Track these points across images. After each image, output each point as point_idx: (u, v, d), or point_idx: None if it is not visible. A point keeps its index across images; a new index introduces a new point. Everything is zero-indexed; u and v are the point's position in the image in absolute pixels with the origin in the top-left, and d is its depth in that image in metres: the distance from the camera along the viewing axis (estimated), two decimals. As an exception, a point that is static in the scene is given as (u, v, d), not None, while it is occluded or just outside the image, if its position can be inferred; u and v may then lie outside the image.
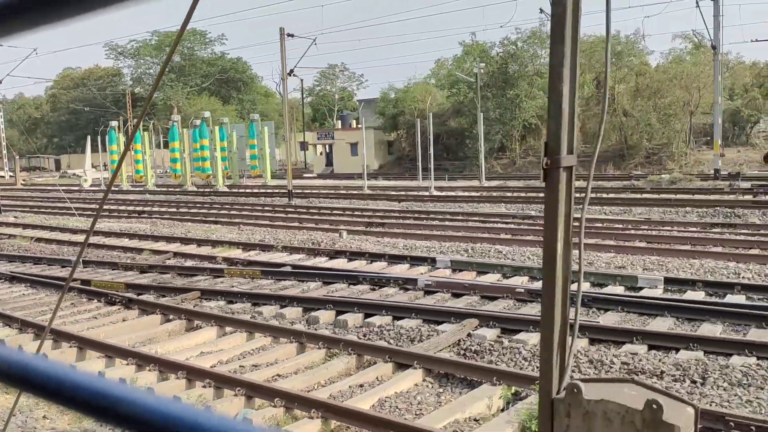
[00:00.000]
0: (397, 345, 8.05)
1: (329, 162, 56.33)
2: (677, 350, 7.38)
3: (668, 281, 10.28)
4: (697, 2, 26.36)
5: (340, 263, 13.25)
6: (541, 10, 23.74)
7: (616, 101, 41.87)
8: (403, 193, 29.44)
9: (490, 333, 8.38)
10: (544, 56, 47.64)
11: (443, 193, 28.53)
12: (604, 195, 24.74)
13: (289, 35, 26.70)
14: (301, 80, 73.35)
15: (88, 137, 44.30)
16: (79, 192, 37.49)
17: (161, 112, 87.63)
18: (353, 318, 9.21)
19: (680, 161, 39.65)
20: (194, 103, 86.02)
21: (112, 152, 41.96)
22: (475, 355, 7.89)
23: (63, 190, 30.07)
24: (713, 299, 9.53)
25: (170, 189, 38.32)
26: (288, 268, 12.48)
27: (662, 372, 6.83)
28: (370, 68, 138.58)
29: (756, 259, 12.10)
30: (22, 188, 44.30)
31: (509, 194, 27.72)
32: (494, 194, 27.84)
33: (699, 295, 9.72)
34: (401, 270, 12.32)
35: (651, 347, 7.59)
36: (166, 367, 7.33)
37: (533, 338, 7.97)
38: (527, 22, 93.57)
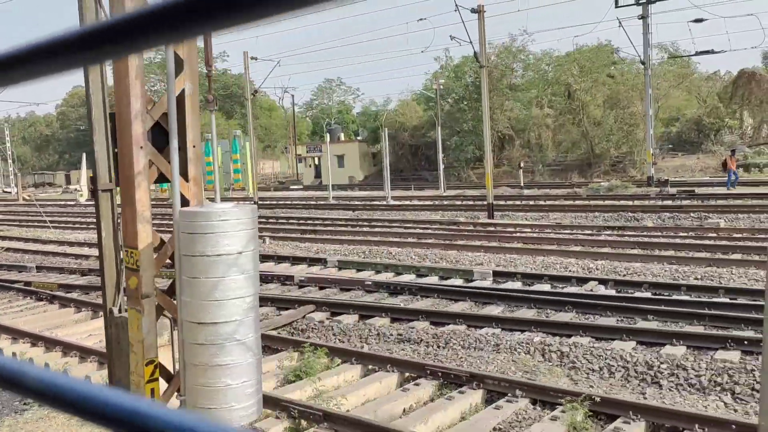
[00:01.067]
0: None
1: (318, 174, 58.61)
2: (479, 328, 9.49)
3: (552, 278, 12.02)
4: (620, 22, 28.35)
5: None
6: (452, 37, 25.44)
7: (583, 112, 43.80)
8: (361, 203, 31.58)
9: (321, 315, 10.51)
10: (518, 69, 49.81)
11: (398, 203, 30.62)
12: (539, 203, 26.73)
13: (252, 58, 28.93)
14: (292, 96, 75.79)
15: (83, 154, 46.84)
16: (74, 206, 39.96)
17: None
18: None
19: (642, 168, 41.46)
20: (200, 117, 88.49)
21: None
22: (300, 332, 10.03)
23: (39, 204, 32.50)
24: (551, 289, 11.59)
25: (157, 203, 40.72)
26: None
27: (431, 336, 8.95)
28: (367, 82, 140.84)
29: (627, 257, 13.97)
30: (22, 203, 46.92)
31: (458, 203, 29.78)
32: (445, 203, 29.92)
33: (545, 287, 11.68)
34: (298, 269, 14.47)
35: (433, 323, 9.70)
36: (51, 343, 9.55)
37: (348, 318, 10.13)
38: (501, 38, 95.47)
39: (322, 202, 32.56)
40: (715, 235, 16.99)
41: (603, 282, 11.56)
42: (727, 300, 9.86)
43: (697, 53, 30.62)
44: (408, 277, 13.07)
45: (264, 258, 16.07)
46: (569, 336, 8.71)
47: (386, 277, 13.17)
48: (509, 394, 6.82)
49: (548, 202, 26.60)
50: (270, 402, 6.41)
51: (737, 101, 44.75)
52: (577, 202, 25.86)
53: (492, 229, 20.29)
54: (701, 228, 18.12)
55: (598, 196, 28.29)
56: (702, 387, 6.96)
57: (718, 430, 5.64)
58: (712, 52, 29.33)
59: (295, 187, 53.44)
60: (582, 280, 11.75)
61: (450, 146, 48.04)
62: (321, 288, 12.47)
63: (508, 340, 8.67)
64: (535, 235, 18.61)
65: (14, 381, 0.68)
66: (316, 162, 59.22)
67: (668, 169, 41.58)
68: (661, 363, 7.51)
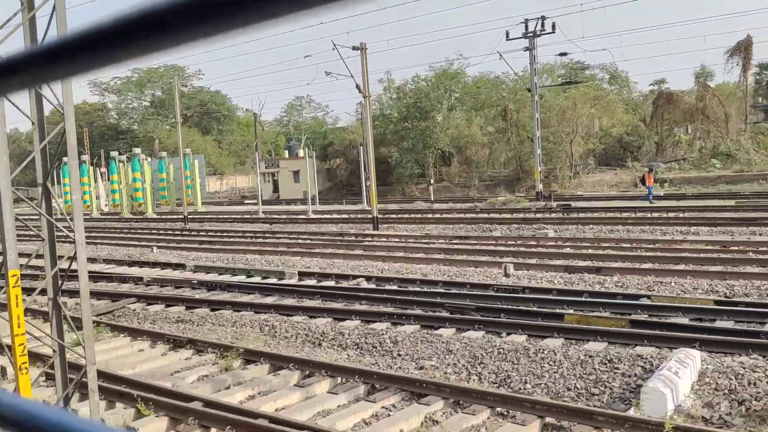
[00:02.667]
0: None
1: (275, 188, 61.60)
2: (259, 313, 12.43)
3: (368, 278, 14.80)
4: (500, 55, 31.46)
5: (128, 269, 18.37)
6: (327, 73, 28.47)
7: (512, 131, 46.90)
8: (286, 216, 34.53)
9: (139, 306, 13.44)
10: (456, 91, 52.92)
11: (318, 216, 33.55)
12: (426, 216, 29.73)
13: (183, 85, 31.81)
14: (254, 114, 78.82)
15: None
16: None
17: (143, 144, 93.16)
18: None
19: (564, 183, 44.52)
20: (173, 134, 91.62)
21: (65, 185, 47.38)
22: (119, 318, 12.94)
23: None
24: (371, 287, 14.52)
25: (107, 216, 43.67)
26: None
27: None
28: (335, 101, 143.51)
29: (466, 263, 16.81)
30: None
31: (370, 216, 32.70)
32: (359, 216, 32.86)
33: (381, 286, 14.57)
34: (151, 271, 17.41)
35: (213, 309, 12.63)
36: None
37: (156, 307, 13.07)
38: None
39: (249, 216, 35.48)
40: (534, 243, 19.93)
41: (409, 281, 14.14)
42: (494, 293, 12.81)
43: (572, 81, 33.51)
44: (239, 278, 16.00)
45: (141, 264, 19.01)
46: (313, 318, 11.56)
47: (218, 277, 16.11)
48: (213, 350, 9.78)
49: (436, 216, 29.56)
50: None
51: (657, 120, 47.91)
52: (457, 216, 28.82)
53: (369, 240, 23.22)
54: (534, 237, 21.09)
55: (492, 209, 31.28)
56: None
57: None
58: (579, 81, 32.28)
59: (249, 201, 56.34)
60: (386, 280, 14.58)
61: (391, 163, 51.12)
62: (162, 286, 15.40)
63: (256, 319, 11.61)
64: (402, 244, 21.53)
65: None
66: (275, 177, 62.22)
67: (587, 184, 44.72)
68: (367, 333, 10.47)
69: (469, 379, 8.40)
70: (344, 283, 14.27)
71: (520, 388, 7.93)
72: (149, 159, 50.26)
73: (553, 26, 31.64)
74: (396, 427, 6.84)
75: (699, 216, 23.38)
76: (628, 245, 17.62)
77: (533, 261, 15.88)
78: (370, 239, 23.44)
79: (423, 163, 51.56)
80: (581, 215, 26.56)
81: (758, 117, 53.16)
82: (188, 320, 12.17)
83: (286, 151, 65.64)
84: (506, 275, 13.79)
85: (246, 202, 55.79)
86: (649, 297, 10.89)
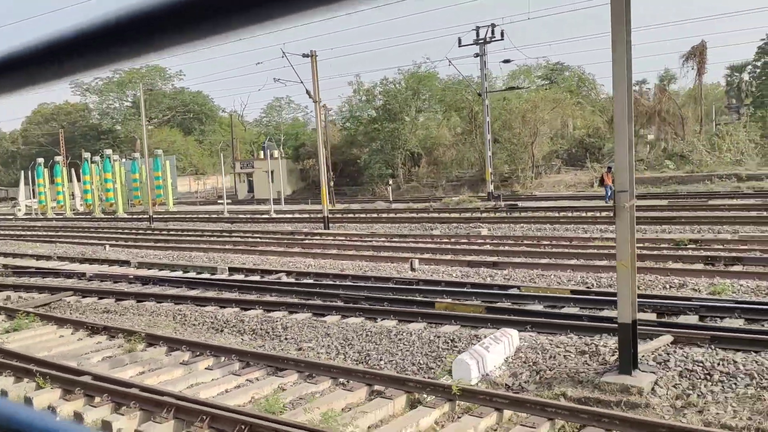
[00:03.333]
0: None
1: (250, 188, 62.74)
2: (177, 303, 13.68)
3: (317, 275, 16.02)
4: (449, 62, 32.81)
5: (76, 266, 19.56)
6: (275, 79, 29.73)
7: (477, 132, 48.23)
8: (250, 216, 35.74)
9: (74, 299, 14.65)
10: (424, 94, 54.21)
11: (280, 216, 34.77)
12: (372, 215, 31.02)
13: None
14: (230, 115, 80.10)
15: (22, 172, 50.80)
16: (12, 219, 43.97)
17: (124, 144, 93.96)
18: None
19: (525, 184, 45.92)
20: (155, 134, 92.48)
21: (39, 185, 48.40)
22: (54, 309, 14.15)
23: None
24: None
25: (79, 216, 44.71)
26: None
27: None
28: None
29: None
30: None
31: (330, 216, 33.93)
32: (318, 216, 34.08)
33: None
34: (94, 267, 18.61)
35: (176, 303, 13.85)
36: None
37: (89, 300, 14.28)
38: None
39: (214, 216, 36.66)
40: (466, 241, 21.23)
41: (325, 275, 15.39)
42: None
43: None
44: (177, 273, 17.22)
45: (91, 261, 20.22)
46: (223, 308, 12.81)
47: (157, 273, 17.34)
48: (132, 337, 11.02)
49: (390, 215, 30.86)
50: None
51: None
52: (409, 215, 30.14)
53: (316, 239, 24.46)
54: (468, 235, 22.40)
55: (445, 209, 32.61)
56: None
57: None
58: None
59: (222, 201, 57.49)
60: (303, 274, 15.84)
61: (360, 164, 52.40)
62: (102, 281, 16.61)
63: (172, 310, 12.86)
64: (339, 242, 22.79)
65: None
66: (250, 177, 63.38)
67: (547, 185, 46.13)
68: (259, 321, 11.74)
69: (336, 357, 9.68)
70: (267, 278, 15.55)
71: (374, 364, 9.22)
72: (123, 160, 51.28)
73: (502, 33, 33.02)
74: (248, 395, 8.12)
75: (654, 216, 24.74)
76: (545, 242, 18.98)
77: (448, 257, 17.20)
78: (319, 237, 24.70)
79: (392, 164, 52.82)
80: (522, 215, 27.90)
81: (732, 118, 54.79)
82: (113, 311, 13.41)
83: (261, 152, 66.79)
84: (412, 269, 15.10)
85: (219, 201, 56.91)
86: (519, 288, 12.22)
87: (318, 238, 24.65)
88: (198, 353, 9.92)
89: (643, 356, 7.87)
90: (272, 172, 61.03)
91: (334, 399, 7.74)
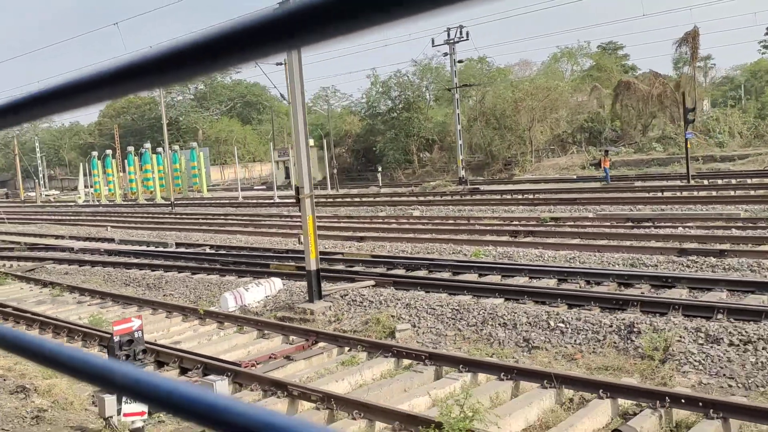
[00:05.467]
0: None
1: (287, 175, 68.14)
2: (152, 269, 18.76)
3: (230, 248, 20.87)
4: (415, 62, 36.45)
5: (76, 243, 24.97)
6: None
7: (480, 121, 51.77)
8: (255, 201, 40.84)
9: (52, 266, 19.85)
10: (436, 83, 57.91)
11: (282, 201, 39.66)
12: (355, 200, 35.43)
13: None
14: (270, 107, 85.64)
15: (80, 164, 57.69)
16: (72, 206, 50.83)
17: (186, 135, 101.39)
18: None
19: (526, 167, 49.26)
20: (215, 125, 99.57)
21: (94, 175, 55.15)
22: (35, 273, 19.36)
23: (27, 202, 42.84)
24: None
25: (125, 203, 51.09)
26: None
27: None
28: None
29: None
30: (30, 204, 58.03)
31: (322, 200, 38.63)
32: (319, 201, 38.80)
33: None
34: (83, 244, 23.89)
35: (115, 268, 18.92)
36: None
37: (64, 266, 19.46)
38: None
39: (227, 202, 41.96)
40: (406, 221, 25.23)
41: (236, 248, 20.06)
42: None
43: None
44: (142, 248, 22.26)
45: (94, 239, 25.62)
46: (141, 269, 17.64)
47: (130, 248, 22.44)
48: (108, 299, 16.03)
49: (364, 199, 35.21)
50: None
51: (618, 107, 51.85)
52: (378, 199, 34.41)
53: (286, 220, 29.12)
54: (403, 216, 26.57)
55: (423, 193, 36.71)
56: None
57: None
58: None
59: (259, 187, 63.06)
60: (254, 249, 20.50)
61: (375, 152, 56.82)
62: (84, 253, 21.82)
63: (107, 271, 17.81)
64: (323, 224, 27.30)
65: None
66: (286, 165, 68.80)
67: (544, 168, 49.31)
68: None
69: (177, 300, 14.31)
70: (192, 250, 20.39)
71: (195, 300, 13.78)
72: (163, 151, 57.30)
73: (467, 34, 36.60)
74: (87, 315, 12.86)
75: (554, 197, 28.23)
76: (450, 220, 23.02)
77: (348, 233, 21.60)
78: (289, 219, 29.36)
79: (407, 150, 56.93)
80: (475, 197, 31.71)
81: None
82: (71, 273, 18.49)
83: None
84: (300, 242, 19.57)
85: (255, 188, 62.50)
86: (343, 253, 16.52)
87: (288, 219, 29.30)
88: (94, 296, 14.77)
89: (332, 293, 12.17)
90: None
91: (146, 320, 12.37)
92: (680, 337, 8.26)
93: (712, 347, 7.96)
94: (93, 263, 19.28)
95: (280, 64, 32.39)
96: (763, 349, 7.69)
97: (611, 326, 8.95)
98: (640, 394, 6.70)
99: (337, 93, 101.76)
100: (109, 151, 59.10)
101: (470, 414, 5.80)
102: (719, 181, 29.15)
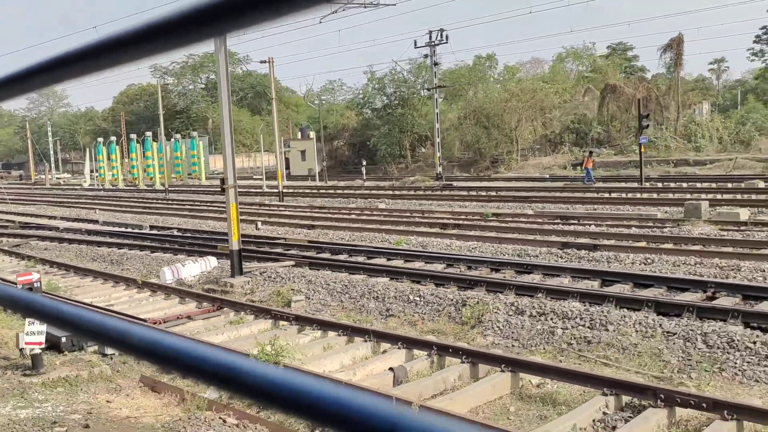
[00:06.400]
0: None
1: (287, 166, 70.34)
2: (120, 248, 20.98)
3: (195, 231, 23.03)
4: (395, 62, 38.33)
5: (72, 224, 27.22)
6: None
7: (470, 118, 53.58)
8: (245, 189, 42.96)
9: (35, 242, 22.08)
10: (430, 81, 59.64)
11: (269, 190, 41.78)
12: (330, 191, 37.45)
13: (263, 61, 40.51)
14: (273, 99, 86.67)
15: (86, 149, 60.17)
16: (78, 190, 53.33)
17: (197, 123, 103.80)
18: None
19: (511, 165, 51.06)
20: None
21: (99, 161, 57.63)
22: (20, 248, 21.61)
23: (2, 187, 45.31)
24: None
25: (127, 188, 53.52)
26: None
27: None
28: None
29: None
30: (40, 187, 60.66)
31: (306, 191, 40.71)
32: (299, 191, 40.91)
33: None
34: (68, 224, 26.12)
35: (88, 246, 21.13)
36: None
37: (45, 243, 21.70)
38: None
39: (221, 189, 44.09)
40: (370, 212, 27.23)
41: (199, 232, 22.18)
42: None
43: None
44: (121, 229, 24.44)
45: (81, 220, 27.86)
46: (110, 248, 19.80)
47: (110, 228, 24.63)
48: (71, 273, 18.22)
49: (346, 191, 37.22)
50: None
51: (605, 109, 53.45)
52: (357, 192, 36.41)
53: (264, 209, 31.19)
54: (368, 207, 28.57)
55: (400, 187, 38.67)
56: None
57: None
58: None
59: (258, 177, 65.25)
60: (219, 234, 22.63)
61: (369, 146, 58.83)
62: (67, 232, 24.02)
63: (79, 248, 19.97)
64: (275, 212, 29.45)
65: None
66: (286, 156, 70.98)
67: (528, 167, 51.07)
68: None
69: (132, 274, 16.42)
70: (161, 232, 22.54)
71: (141, 275, 15.89)
72: (168, 140, 59.65)
73: (446, 37, 38.47)
74: (48, 283, 15.00)
75: (512, 195, 30.06)
76: (407, 213, 24.98)
77: (294, 221, 23.68)
78: (267, 208, 31.46)
79: (401, 145, 58.89)
80: (445, 192, 33.63)
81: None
82: (50, 249, 20.69)
83: (299, 133, 74.30)
84: (257, 228, 21.67)
85: (255, 177, 64.74)
86: (284, 238, 18.58)
87: (266, 208, 31.40)
88: (60, 268, 16.94)
89: (253, 270, 14.22)
90: (304, 151, 68.54)
91: (95, 288, 14.54)
92: (497, 309, 10.23)
93: (515, 317, 9.93)
94: (71, 241, 21.47)
95: (264, 62, 34.53)
96: (551, 319, 9.65)
97: (452, 300, 10.94)
98: (428, 346, 8.68)
99: (344, 86, 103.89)
100: (113, 138, 61.55)
101: (278, 351, 7.85)
102: (672, 184, 30.87)
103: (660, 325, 8.76)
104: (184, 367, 0.76)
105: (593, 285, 11.45)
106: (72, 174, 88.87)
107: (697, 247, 14.12)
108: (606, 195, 27.48)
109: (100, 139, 59.69)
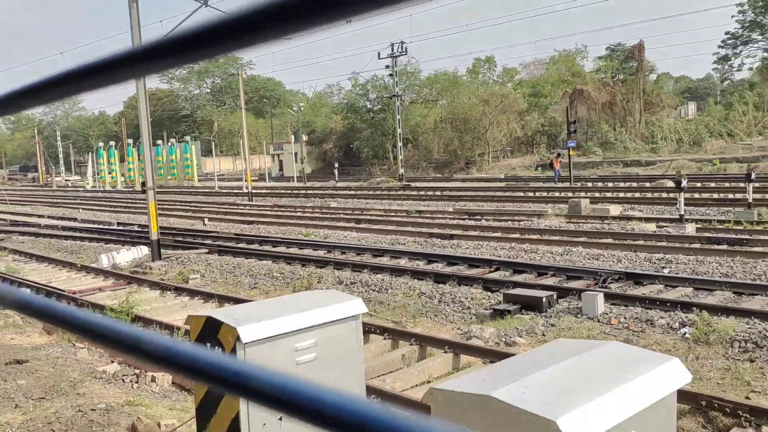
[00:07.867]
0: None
1: (281, 168, 73.85)
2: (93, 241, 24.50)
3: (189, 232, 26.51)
4: (357, 73, 41.51)
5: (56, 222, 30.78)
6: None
7: (447, 123, 56.66)
8: (228, 190, 46.44)
9: (17, 237, 25.62)
10: (412, 87, 62.87)
11: (255, 190, 45.14)
12: (300, 192, 40.73)
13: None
14: (276, 103, 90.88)
15: (89, 153, 64.01)
16: (81, 191, 57.18)
17: (202, 126, 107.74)
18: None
19: (483, 167, 54.12)
20: (229, 118, 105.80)
21: (100, 164, 61.45)
22: (2, 242, 25.15)
23: (3, 189, 49.11)
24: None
25: (124, 190, 57.24)
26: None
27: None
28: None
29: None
30: (46, 189, 64.63)
31: (285, 192, 44.03)
32: (277, 192, 44.25)
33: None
34: (51, 221, 29.65)
35: (57, 239, 24.63)
36: None
37: (24, 238, 25.24)
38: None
39: (206, 191, 47.65)
40: (319, 210, 30.56)
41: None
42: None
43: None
44: (95, 225, 27.88)
45: (61, 218, 31.40)
46: (81, 241, 23.21)
47: (86, 225, 28.10)
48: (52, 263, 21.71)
49: (309, 192, 40.52)
50: None
51: (574, 112, 56.28)
52: (326, 192, 39.68)
53: (233, 208, 34.56)
54: (321, 207, 31.84)
55: (369, 187, 41.89)
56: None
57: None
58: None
59: (253, 178, 68.75)
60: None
61: (352, 149, 62.15)
62: (47, 228, 27.52)
63: (48, 242, 23.43)
64: (255, 211, 32.76)
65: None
66: (280, 158, 74.50)
67: (498, 167, 54.09)
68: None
69: (83, 261, 19.80)
70: (123, 228, 25.94)
71: (87, 261, 19.28)
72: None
73: (405, 49, 41.66)
74: (5, 267, 18.42)
75: (453, 195, 33.14)
76: (358, 210, 28.20)
77: (248, 219, 26.96)
78: (235, 207, 34.84)
79: (383, 148, 62.10)
80: (402, 192, 36.76)
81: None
82: (26, 242, 24.15)
83: (293, 136, 77.79)
84: (204, 224, 25.01)
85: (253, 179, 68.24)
86: (217, 232, 21.89)
87: (235, 207, 34.78)
88: (25, 256, 20.37)
89: (171, 256, 17.54)
90: (296, 153, 71.91)
91: (45, 271, 17.94)
92: (339, 280, 13.47)
93: (348, 287, 13.16)
94: (45, 236, 24.96)
95: (234, 74, 37.79)
96: (378, 291, 12.86)
97: (302, 276, 14.20)
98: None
99: (342, 90, 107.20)
100: (112, 143, 65.40)
101: (131, 306, 11.16)
102: (600, 184, 33.82)
103: (419, 288, 11.98)
104: (67, 325, 1.08)
105: (438, 266, 14.64)
106: (81, 176, 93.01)
107: (536, 236, 17.24)
108: (531, 194, 30.53)
109: (101, 144, 63.50)
